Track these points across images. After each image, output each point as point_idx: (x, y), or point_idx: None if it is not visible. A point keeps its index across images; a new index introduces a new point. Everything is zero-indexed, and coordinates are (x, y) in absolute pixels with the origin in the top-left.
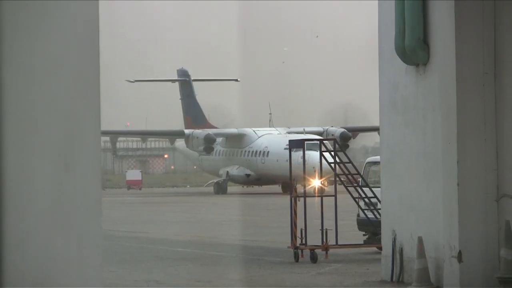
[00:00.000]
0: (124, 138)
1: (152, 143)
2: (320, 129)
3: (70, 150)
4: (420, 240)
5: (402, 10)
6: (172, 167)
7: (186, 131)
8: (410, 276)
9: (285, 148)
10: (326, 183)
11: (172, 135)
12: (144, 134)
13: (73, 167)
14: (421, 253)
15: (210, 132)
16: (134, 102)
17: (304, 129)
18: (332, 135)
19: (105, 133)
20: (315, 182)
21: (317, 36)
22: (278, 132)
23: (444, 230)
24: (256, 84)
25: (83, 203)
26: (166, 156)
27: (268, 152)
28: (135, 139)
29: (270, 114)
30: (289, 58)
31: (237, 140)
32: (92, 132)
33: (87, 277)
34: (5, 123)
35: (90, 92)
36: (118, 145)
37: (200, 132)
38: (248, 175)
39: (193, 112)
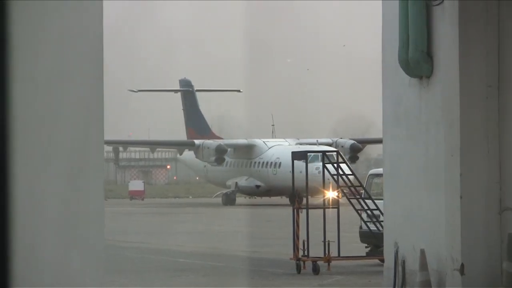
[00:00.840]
0: (133, 148)
1: (155, 153)
2: (329, 140)
3: (74, 160)
4: (422, 252)
5: (406, 23)
6: (175, 177)
7: (196, 141)
8: None
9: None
10: (340, 195)
11: (182, 145)
12: (153, 144)
13: (77, 178)
14: (424, 265)
15: (221, 143)
16: (135, 112)
17: (317, 140)
18: (342, 146)
19: (113, 142)
20: (330, 194)
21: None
22: (288, 143)
23: (447, 243)
24: (258, 95)
25: (86, 213)
26: (168, 167)
27: (280, 163)
28: (140, 149)
29: (273, 125)
30: (292, 70)
31: (246, 151)
32: (96, 142)
33: (89, 286)
34: (10, 133)
35: (93, 102)
36: (121, 155)
37: (211, 143)
38: (258, 186)
39: (196, 123)
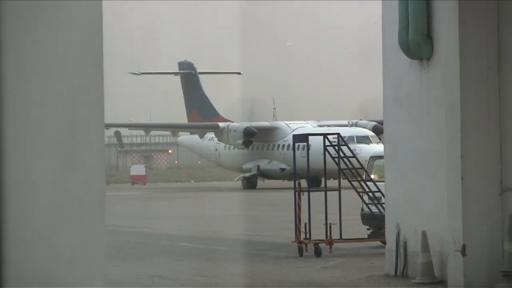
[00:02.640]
0: (134, 133)
1: (156, 138)
2: (345, 122)
3: (74, 145)
4: (424, 234)
5: (406, 5)
6: (176, 162)
7: (221, 124)
8: (414, 270)
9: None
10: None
11: (204, 128)
12: (174, 127)
13: (76, 162)
14: (425, 247)
15: (249, 125)
16: (133, 96)
17: (349, 122)
18: (364, 128)
19: (135, 126)
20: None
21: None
22: (310, 126)
23: (448, 224)
24: (259, 78)
25: (87, 198)
26: (170, 151)
27: (310, 145)
28: (141, 134)
29: (274, 109)
30: (292, 52)
31: (268, 134)
32: (96, 127)
33: (92, 274)
34: (6, 119)
35: (93, 87)
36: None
37: (238, 126)
38: (283, 169)
39: (199, 106)
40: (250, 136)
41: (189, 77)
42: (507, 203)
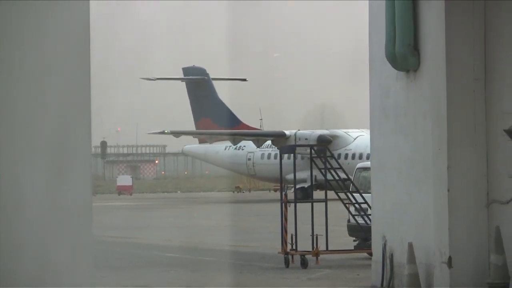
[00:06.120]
0: (121, 143)
1: (143, 148)
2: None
3: (61, 155)
4: (410, 245)
5: (393, 16)
6: (163, 172)
7: (287, 132)
8: (401, 282)
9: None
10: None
11: (269, 136)
12: (236, 135)
13: (64, 173)
14: (412, 258)
15: (321, 133)
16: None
17: None
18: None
19: (199, 134)
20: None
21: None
22: (366, 134)
23: (435, 236)
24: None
25: (74, 209)
26: (157, 161)
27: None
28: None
29: (261, 120)
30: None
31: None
32: (83, 137)
33: (79, 284)
34: None
35: (81, 97)
36: (108, 150)
37: (310, 133)
38: (345, 180)
39: (214, 113)
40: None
41: (199, 83)
42: (493, 215)
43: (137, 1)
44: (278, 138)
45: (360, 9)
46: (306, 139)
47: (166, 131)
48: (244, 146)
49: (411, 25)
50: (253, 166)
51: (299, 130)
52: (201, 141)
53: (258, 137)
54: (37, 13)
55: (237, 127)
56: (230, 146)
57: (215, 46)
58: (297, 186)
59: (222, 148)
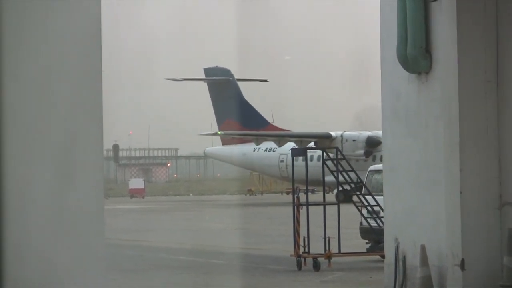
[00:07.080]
0: (133, 146)
1: (155, 151)
2: None
3: (72, 158)
4: (423, 248)
5: (404, 19)
6: (175, 175)
7: (333, 133)
8: (413, 284)
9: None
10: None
11: (314, 137)
12: (282, 136)
13: (75, 175)
14: (424, 261)
15: (371, 134)
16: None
17: None
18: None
19: (247, 135)
20: None
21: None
22: None
23: (447, 238)
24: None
25: (86, 212)
26: (169, 164)
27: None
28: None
29: (273, 122)
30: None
31: (365, 144)
32: (95, 140)
33: (90, 285)
34: (4, 130)
35: (92, 99)
36: (120, 153)
37: (358, 135)
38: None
39: (238, 114)
40: (373, 146)
41: (224, 84)
42: (506, 217)
43: (147, 1)
44: (323, 139)
45: (374, 10)
46: (354, 140)
47: (219, 132)
48: (276, 148)
49: (423, 27)
50: (286, 168)
51: (345, 131)
52: (224, 143)
53: (302, 138)
54: (48, 14)
55: (265, 129)
56: (259, 148)
57: (226, 47)
58: (340, 189)
59: (250, 150)
